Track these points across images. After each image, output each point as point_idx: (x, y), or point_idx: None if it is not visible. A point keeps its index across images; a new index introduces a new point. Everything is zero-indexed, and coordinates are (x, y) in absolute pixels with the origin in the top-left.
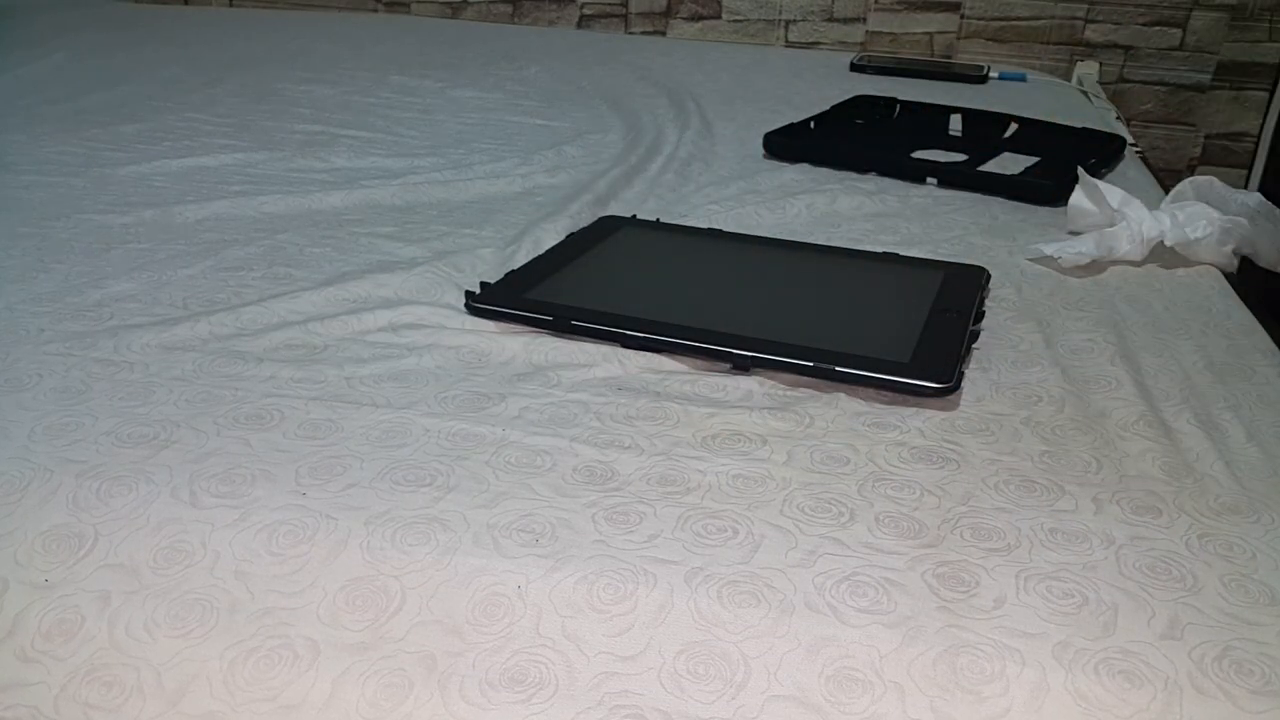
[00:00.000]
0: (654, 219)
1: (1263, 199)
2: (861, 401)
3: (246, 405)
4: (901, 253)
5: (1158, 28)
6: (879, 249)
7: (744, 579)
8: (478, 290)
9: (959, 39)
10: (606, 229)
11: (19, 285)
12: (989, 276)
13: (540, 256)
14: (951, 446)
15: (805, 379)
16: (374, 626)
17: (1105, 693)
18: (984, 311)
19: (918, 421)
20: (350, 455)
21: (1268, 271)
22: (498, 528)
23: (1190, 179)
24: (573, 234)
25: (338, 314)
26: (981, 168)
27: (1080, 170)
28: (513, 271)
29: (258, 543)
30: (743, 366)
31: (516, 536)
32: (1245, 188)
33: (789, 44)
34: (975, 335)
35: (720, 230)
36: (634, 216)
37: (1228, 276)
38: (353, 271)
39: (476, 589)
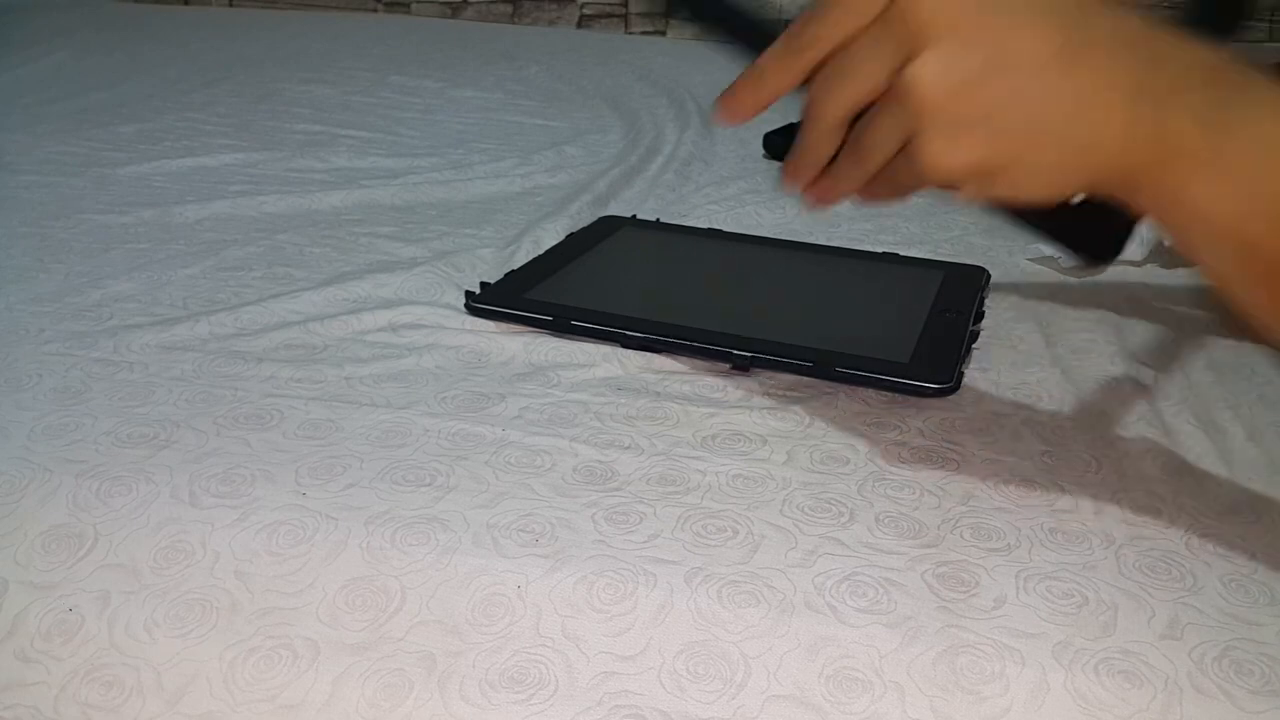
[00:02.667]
0: (654, 219)
1: None
2: (861, 401)
3: (246, 405)
4: (901, 253)
5: None
6: (879, 249)
7: (744, 579)
8: (477, 290)
9: None
10: (606, 229)
11: (18, 285)
12: (989, 276)
13: (540, 256)
14: (951, 446)
15: (805, 379)
16: (374, 626)
17: (1105, 692)
18: (984, 311)
19: (917, 421)
20: (350, 455)
21: None
22: (498, 528)
23: None
24: (573, 234)
25: (338, 314)
26: None
27: None
28: (513, 271)
29: (258, 543)
30: (742, 367)
31: (516, 536)
32: None
33: None
34: (975, 335)
35: (720, 230)
36: (634, 216)
37: None
38: (353, 271)
39: (476, 589)
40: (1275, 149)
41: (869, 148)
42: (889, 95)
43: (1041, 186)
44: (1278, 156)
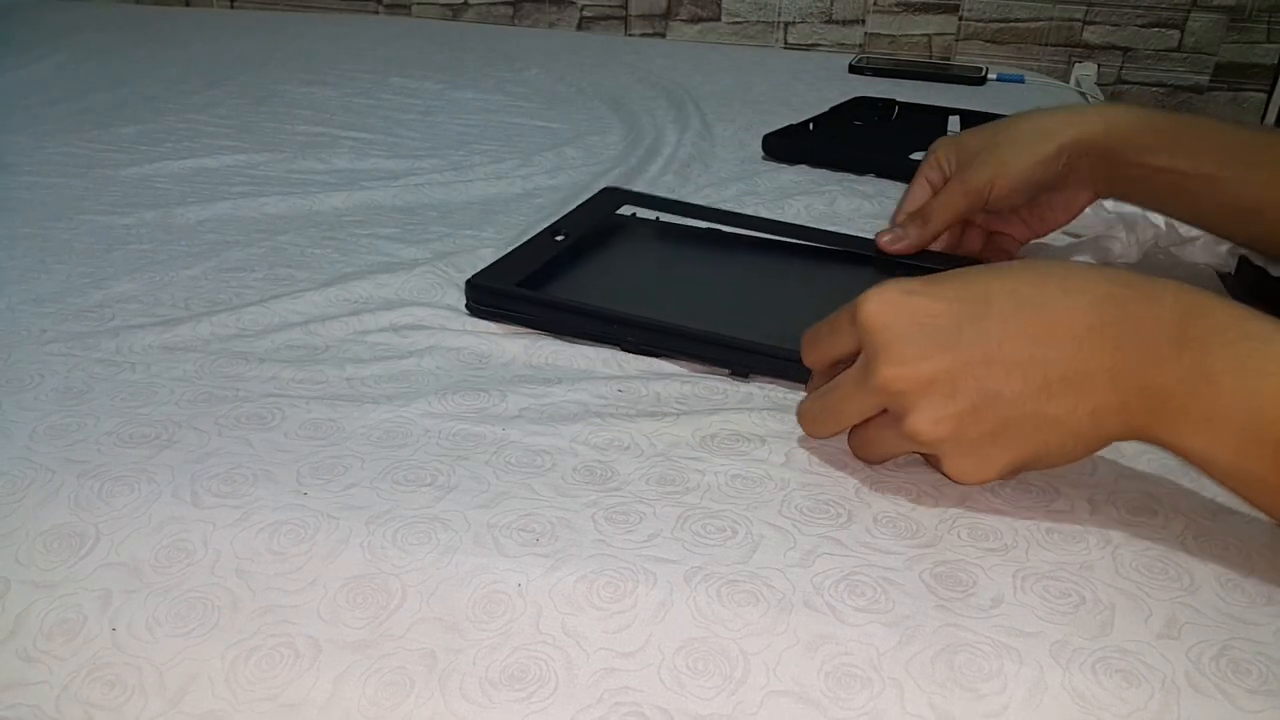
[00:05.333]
0: (654, 217)
1: None
2: None
3: (248, 405)
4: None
5: (1156, 29)
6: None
7: (743, 578)
8: (475, 287)
9: (957, 41)
10: (607, 207)
11: (20, 286)
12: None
13: (537, 237)
14: None
15: (804, 381)
16: (374, 624)
17: (1103, 691)
18: None
19: None
20: (351, 455)
21: (1264, 271)
22: (498, 527)
23: None
24: (575, 209)
25: (339, 315)
26: None
27: None
28: (510, 264)
29: (259, 542)
30: (741, 374)
31: (517, 536)
32: None
33: (788, 46)
34: None
35: (727, 212)
36: (634, 215)
37: (1224, 276)
38: (354, 272)
39: (477, 587)
40: (1251, 393)
41: (874, 447)
42: (887, 420)
43: (1063, 461)
44: (1256, 399)
